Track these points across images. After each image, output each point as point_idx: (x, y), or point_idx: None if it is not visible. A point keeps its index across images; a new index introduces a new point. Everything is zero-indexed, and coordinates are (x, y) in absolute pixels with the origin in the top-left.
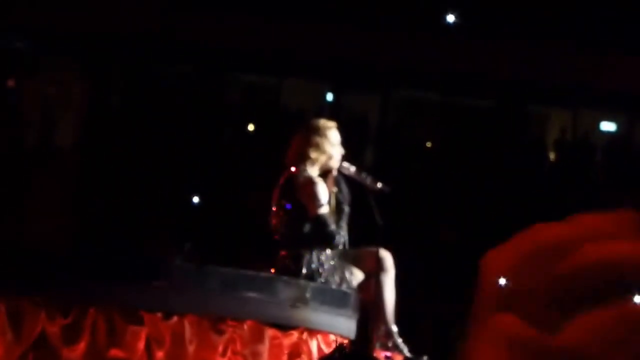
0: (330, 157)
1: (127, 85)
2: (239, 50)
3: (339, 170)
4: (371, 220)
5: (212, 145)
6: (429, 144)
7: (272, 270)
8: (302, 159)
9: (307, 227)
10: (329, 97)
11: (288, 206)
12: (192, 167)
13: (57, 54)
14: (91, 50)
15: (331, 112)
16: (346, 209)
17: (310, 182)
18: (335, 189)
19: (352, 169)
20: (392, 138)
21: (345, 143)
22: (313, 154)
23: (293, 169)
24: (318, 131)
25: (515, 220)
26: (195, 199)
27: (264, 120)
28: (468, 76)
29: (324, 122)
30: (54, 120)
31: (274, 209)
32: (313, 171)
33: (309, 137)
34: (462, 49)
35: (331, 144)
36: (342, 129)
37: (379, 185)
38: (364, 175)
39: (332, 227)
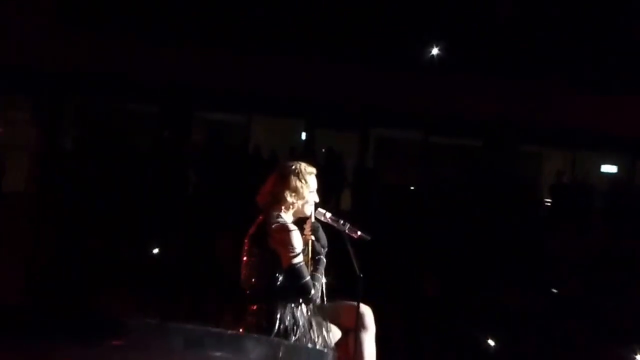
0: (306, 203)
1: (82, 126)
2: (206, 88)
3: (316, 217)
4: (350, 272)
5: (175, 189)
6: (411, 188)
7: (241, 328)
8: (277, 202)
9: (280, 279)
10: (303, 135)
11: (260, 255)
12: (154, 213)
13: (8, 92)
14: (45, 89)
15: (305, 150)
16: (323, 259)
17: (285, 229)
18: (311, 237)
19: (329, 215)
20: (371, 179)
21: (320, 185)
22: (290, 199)
23: (265, 215)
24: (298, 175)
25: (505, 271)
26: (155, 250)
27: (233, 161)
28: (453, 115)
29: (305, 167)
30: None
31: (244, 258)
32: (287, 217)
33: (287, 180)
34: (448, 88)
35: (310, 190)
36: (317, 170)
37: (359, 232)
38: (341, 222)
39: (308, 278)
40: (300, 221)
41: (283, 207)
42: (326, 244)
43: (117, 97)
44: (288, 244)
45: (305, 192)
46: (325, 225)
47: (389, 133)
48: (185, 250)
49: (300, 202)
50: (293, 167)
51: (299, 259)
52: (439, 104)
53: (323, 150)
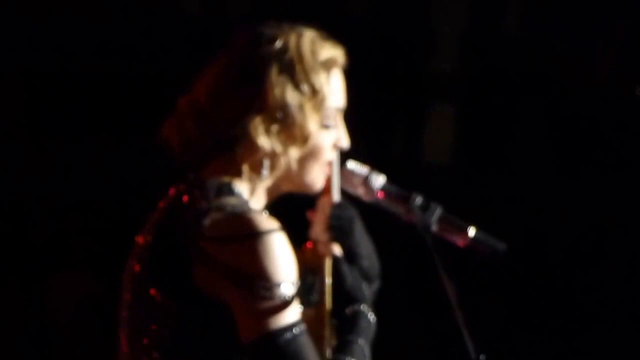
0: (315, 154)
1: None
2: None
3: (343, 192)
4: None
5: None
6: None
7: None
8: (227, 151)
9: None
10: None
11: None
12: None
13: None
14: None
15: None
16: (368, 315)
17: (247, 233)
18: (330, 251)
19: (381, 182)
20: None
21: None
22: (267, 142)
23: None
24: (292, 64)
25: None
26: None
27: None
28: None
29: (313, 38)
30: None
31: (121, 314)
32: (255, 197)
33: (259, 83)
34: None
35: (326, 116)
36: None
37: (471, 232)
38: (416, 201)
39: None
40: (291, 204)
41: (244, 166)
42: (376, 267)
43: None
44: (255, 273)
45: (313, 120)
46: (368, 213)
47: None
48: None
49: (295, 154)
50: (277, 39)
51: (285, 320)
52: None
53: None
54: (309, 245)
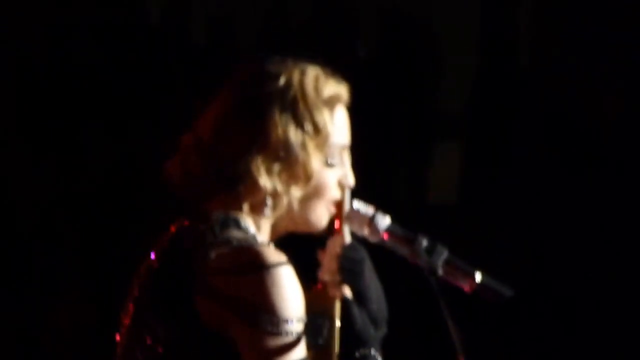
0: (321, 193)
1: None
2: None
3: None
4: None
5: None
6: None
7: None
8: (230, 190)
9: None
10: None
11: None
12: None
13: None
14: None
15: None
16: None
17: (255, 268)
18: (339, 291)
19: (387, 223)
20: None
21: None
22: (269, 182)
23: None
24: (295, 102)
25: None
26: None
27: None
28: None
29: (317, 75)
30: None
31: (120, 343)
32: (261, 232)
33: (262, 121)
34: None
35: (331, 156)
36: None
37: (478, 277)
38: (423, 243)
39: None
40: (300, 244)
41: (245, 204)
42: (385, 311)
43: None
44: (262, 307)
45: (316, 159)
46: (375, 253)
47: None
48: None
49: (297, 193)
50: (280, 76)
51: (291, 357)
52: None
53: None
54: (318, 286)
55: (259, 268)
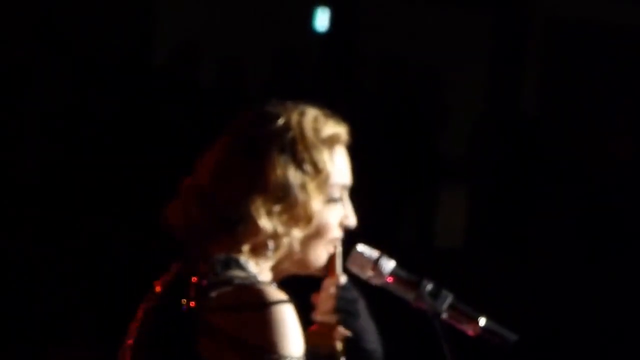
0: (320, 236)
1: None
2: None
3: (349, 273)
4: None
5: None
6: None
7: None
8: (230, 233)
9: None
10: None
11: None
12: None
13: None
14: None
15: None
16: None
17: (256, 307)
18: (339, 334)
19: (392, 267)
20: None
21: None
22: (269, 224)
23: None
24: (294, 147)
25: None
26: None
27: None
28: None
29: (316, 117)
30: None
31: None
32: (262, 272)
33: (264, 166)
34: None
35: (331, 194)
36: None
37: (482, 322)
38: (427, 287)
39: None
40: (294, 281)
41: (245, 246)
42: (380, 352)
43: None
44: (263, 345)
45: (317, 200)
46: (372, 296)
47: None
48: None
49: (298, 234)
50: (279, 117)
51: None
52: None
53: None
54: (313, 328)
55: (261, 306)
